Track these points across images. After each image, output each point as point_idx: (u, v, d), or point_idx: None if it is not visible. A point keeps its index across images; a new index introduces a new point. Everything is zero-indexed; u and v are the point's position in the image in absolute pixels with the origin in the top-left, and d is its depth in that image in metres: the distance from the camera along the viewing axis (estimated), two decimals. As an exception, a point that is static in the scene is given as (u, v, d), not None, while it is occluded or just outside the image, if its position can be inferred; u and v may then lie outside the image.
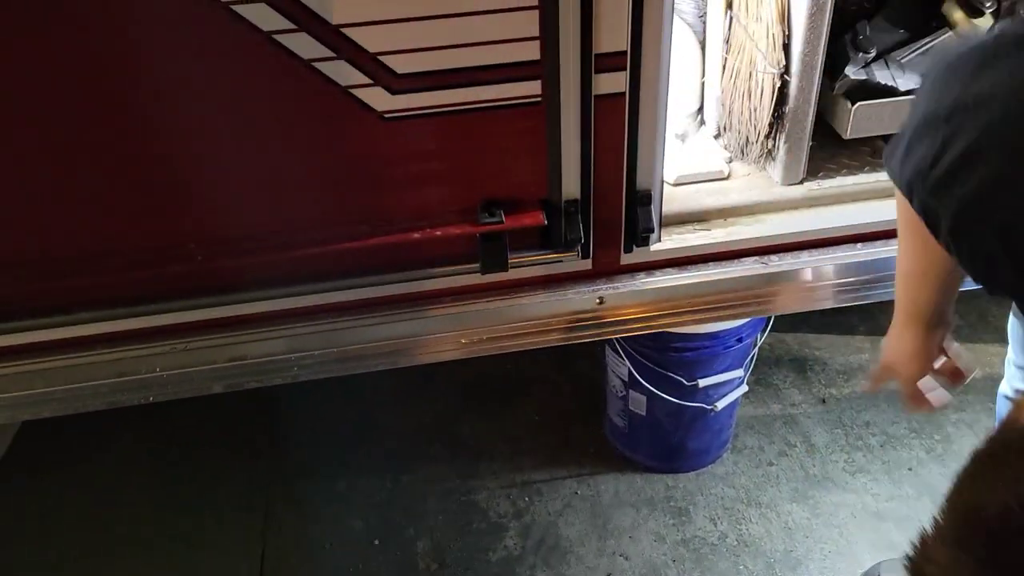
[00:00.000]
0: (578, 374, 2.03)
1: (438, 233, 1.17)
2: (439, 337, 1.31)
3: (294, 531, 1.69)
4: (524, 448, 1.90)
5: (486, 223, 1.17)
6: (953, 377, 1.00)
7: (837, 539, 1.64)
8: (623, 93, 1.13)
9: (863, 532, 1.64)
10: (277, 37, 1.00)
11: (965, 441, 1.78)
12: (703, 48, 1.40)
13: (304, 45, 1.01)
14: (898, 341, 0.99)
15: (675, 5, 1.35)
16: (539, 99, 1.12)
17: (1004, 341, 1.23)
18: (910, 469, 1.74)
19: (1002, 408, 1.30)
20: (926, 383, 1.00)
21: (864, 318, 2.15)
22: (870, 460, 1.78)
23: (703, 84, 1.43)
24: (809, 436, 1.88)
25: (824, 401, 1.97)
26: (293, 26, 1.00)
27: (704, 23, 1.39)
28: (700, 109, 1.47)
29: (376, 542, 1.69)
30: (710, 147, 1.44)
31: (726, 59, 1.36)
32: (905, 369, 0.99)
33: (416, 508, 1.75)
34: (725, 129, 1.41)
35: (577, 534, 1.72)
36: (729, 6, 1.33)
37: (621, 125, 1.16)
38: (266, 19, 0.99)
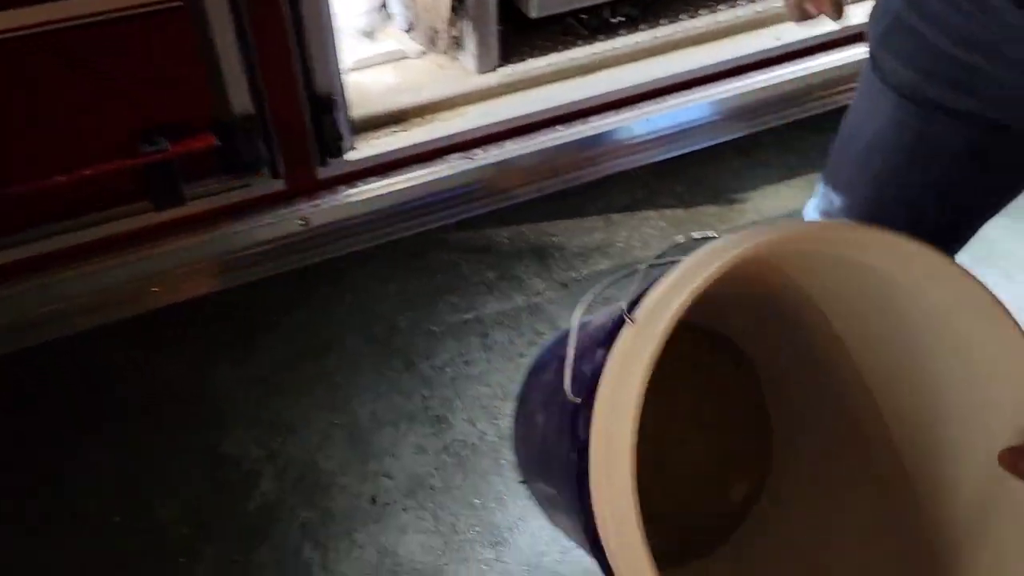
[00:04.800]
0: (322, 298, 1.93)
1: (88, 173, 1.01)
2: (131, 285, 1.16)
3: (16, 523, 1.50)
4: (272, 387, 1.79)
5: (147, 153, 1.03)
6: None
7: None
8: (277, -13, 1.01)
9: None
10: None
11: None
12: (375, -66, 1.30)
13: None
14: None
15: None
16: (180, 3, 0.97)
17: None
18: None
19: None
20: None
21: (594, 198, 2.20)
22: (612, 333, 1.84)
23: (383, -27, 1.33)
24: (555, 321, 1.92)
25: (566, 285, 2.01)
26: None
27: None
28: (385, 3, 1.37)
29: (117, 519, 1.54)
30: (400, 41, 1.35)
31: (400, -56, 1.26)
32: None
33: (159, 473, 1.61)
34: (414, 22, 1.33)
35: (337, 464, 1.65)
36: None
37: (283, 24, 1.04)
38: None
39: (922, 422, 0.59)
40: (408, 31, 1.35)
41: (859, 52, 1.17)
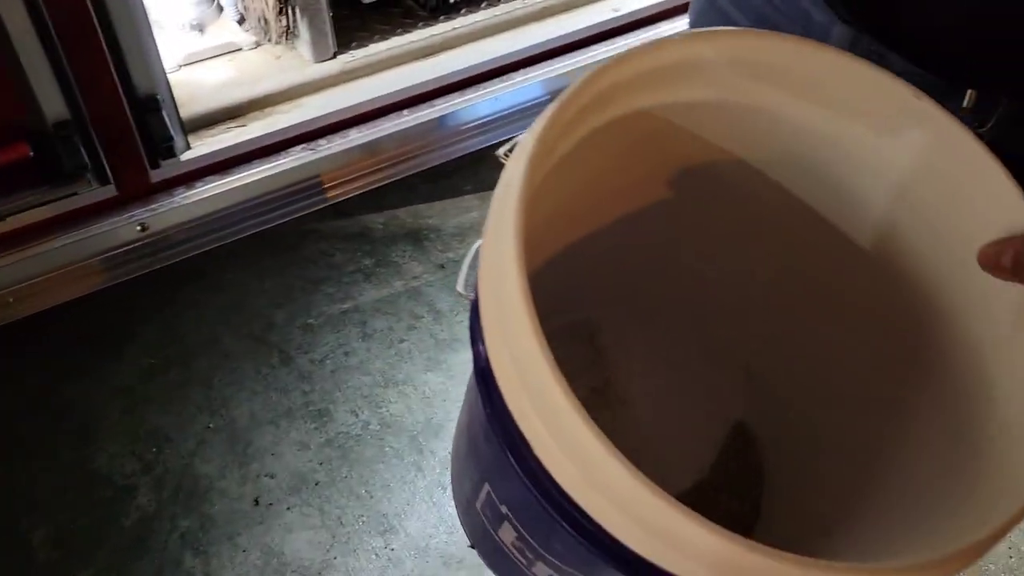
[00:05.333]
0: (189, 298, 1.88)
1: None
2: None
3: None
4: (141, 396, 1.73)
5: (-48, 169, 0.98)
6: None
7: (471, 393, 1.71)
8: (78, -15, 0.96)
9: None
10: None
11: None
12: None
13: None
14: None
15: None
16: (-30, 8, 0.92)
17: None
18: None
19: None
20: None
21: (468, 177, 2.20)
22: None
23: (207, -36, 1.29)
24: (434, 304, 1.91)
25: (443, 267, 2.01)
26: None
27: None
28: (214, -7, 1.33)
29: (-22, 549, 1.47)
30: (233, 33, 1.31)
31: (222, -68, 1.22)
32: None
33: (26, 496, 1.54)
34: (244, 13, 1.29)
35: (216, 469, 1.62)
36: None
37: (90, 23, 0.99)
38: None
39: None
40: (240, 22, 1.31)
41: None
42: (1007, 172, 0.46)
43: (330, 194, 1.30)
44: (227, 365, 1.80)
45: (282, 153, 1.22)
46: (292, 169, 1.22)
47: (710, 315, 0.68)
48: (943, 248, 0.50)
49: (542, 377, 0.38)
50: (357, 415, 1.72)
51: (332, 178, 1.27)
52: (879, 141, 0.51)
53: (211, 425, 1.70)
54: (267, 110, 1.23)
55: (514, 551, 0.55)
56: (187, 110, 1.19)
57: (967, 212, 0.48)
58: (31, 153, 1.02)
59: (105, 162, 1.09)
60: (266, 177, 1.21)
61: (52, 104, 1.01)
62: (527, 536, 0.51)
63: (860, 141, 0.51)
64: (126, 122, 1.08)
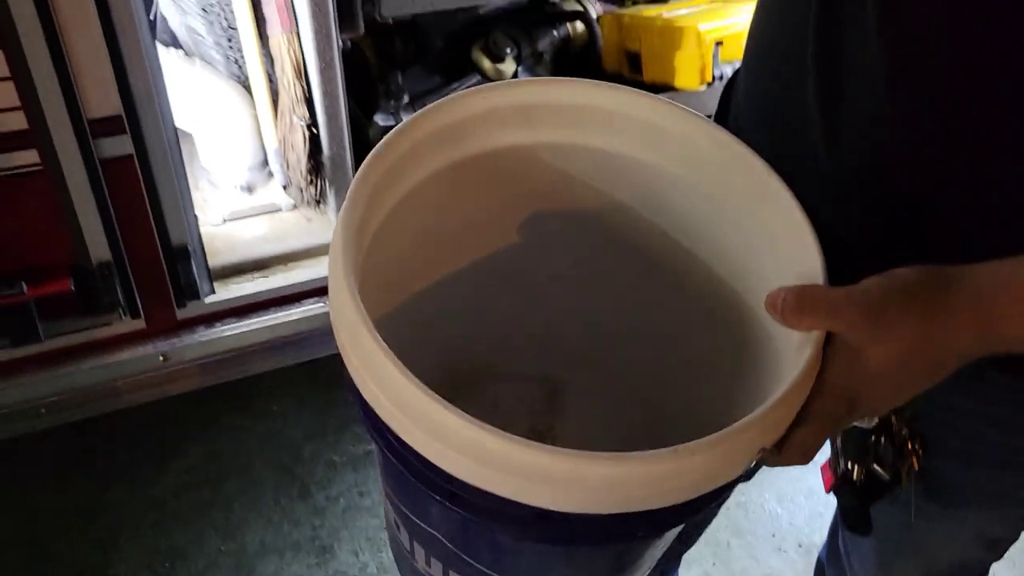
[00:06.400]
0: (234, 421, 2.02)
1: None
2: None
3: None
4: (171, 512, 1.85)
5: (5, 296, 1.15)
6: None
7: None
8: (131, 155, 1.16)
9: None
10: None
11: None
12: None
13: None
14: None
15: (210, 59, 1.41)
16: (40, 167, 1.12)
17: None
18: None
19: None
20: None
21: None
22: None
23: (262, 136, 1.49)
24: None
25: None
26: None
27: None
28: (267, 161, 1.52)
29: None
30: (277, 196, 1.50)
31: (276, 113, 1.42)
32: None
33: (44, 593, 1.66)
34: (289, 180, 1.48)
35: (218, 592, 1.70)
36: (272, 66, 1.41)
37: (137, 185, 1.18)
38: None
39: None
40: (285, 187, 1.50)
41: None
42: (812, 231, 0.54)
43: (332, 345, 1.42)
44: (252, 491, 1.91)
45: (296, 303, 1.37)
46: (302, 319, 1.36)
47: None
48: (756, 275, 0.59)
49: (363, 338, 0.47)
50: (358, 556, 1.78)
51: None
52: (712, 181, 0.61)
53: (223, 548, 1.80)
54: (290, 264, 1.39)
55: (411, 556, 0.63)
56: (222, 259, 1.36)
57: (772, 254, 0.58)
58: (73, 287, 1.19)
59: (137, 299, 1.26)
60: (281, 323, 1.35)
61: (97, 247, 1.19)
62: (407, 513, 0.59)
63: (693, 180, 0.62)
64: (159, 267, 1.25)
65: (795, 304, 0.50)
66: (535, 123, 0.62)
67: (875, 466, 0.57)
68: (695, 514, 0.48)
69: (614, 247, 0.69)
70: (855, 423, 0.55)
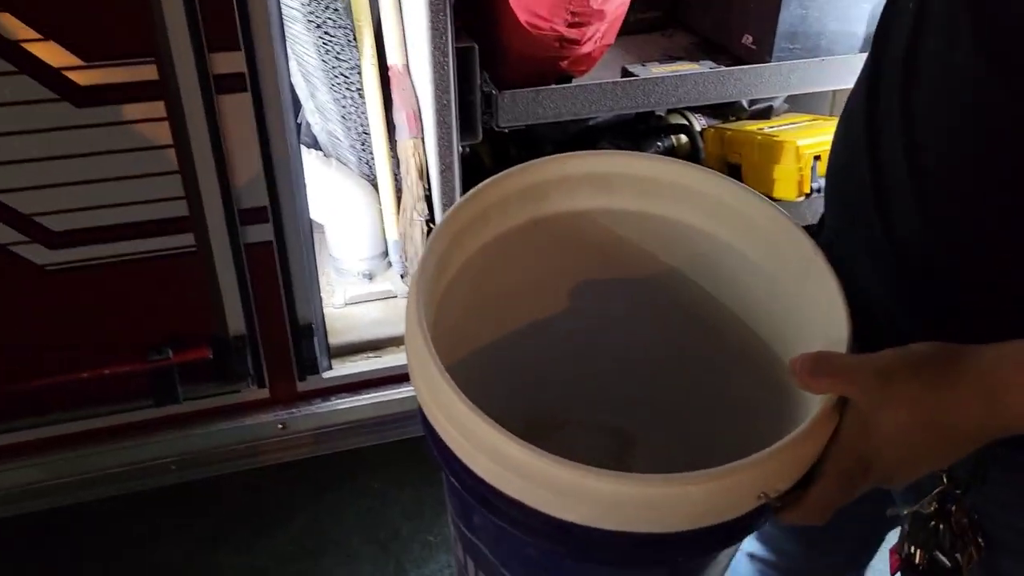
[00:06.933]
0: (336, 493, 2.10)
1: (107, 372, 1.29)
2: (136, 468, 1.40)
3: None
4: (269, 580, 1.93)
5: (154, 360, 1.30)
6: None
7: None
8: (271, 241, 1.30)
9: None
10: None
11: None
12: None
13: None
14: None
15: (345, 159, 1.57)
16: (194, 249, 1.28)
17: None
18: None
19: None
20: None
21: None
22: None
23: (384, 229, 1.63)
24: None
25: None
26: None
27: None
28: (387, 251, 1.66)
29: None
30: (394, 284, 1.63)
31: (398, 208, 1.56)
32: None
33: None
34: (407, 270, 1.60)
35: (296, 669, 1.75)
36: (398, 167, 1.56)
37: (273, 268, 1.32)
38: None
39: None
40: (402, 276, 1.63)
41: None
42: (846, 306, 0.59)
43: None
44: (348, 565, 1.97)
45: (404, 383, 1.47)
46: (408, 397, 1.45)
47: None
48: (792, 341, 0.65)
49: (437, 379, 0.54)
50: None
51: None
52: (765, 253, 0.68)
53: (317, 617, 1.86)
54: (401, 347, 1.49)
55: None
56: (341, 338, 1.48)
57: (808, 323, 0.63)
58: (211, 355, 1.33)
59: (265, 370, 1.39)
60: (392, 400, 1.45)
61: (235, 321, 1.33)
62: (459, 523, 0.66)
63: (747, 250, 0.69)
64: (286, 343, 1.38)
65: (811, 367, 0.54)
66: (613, 191, 0.71)
67: (937, 552, 0.60)
68: (700, 549, 0.53)
69: (663, 307, 0.76)
70: (909, 508, 0.59)
